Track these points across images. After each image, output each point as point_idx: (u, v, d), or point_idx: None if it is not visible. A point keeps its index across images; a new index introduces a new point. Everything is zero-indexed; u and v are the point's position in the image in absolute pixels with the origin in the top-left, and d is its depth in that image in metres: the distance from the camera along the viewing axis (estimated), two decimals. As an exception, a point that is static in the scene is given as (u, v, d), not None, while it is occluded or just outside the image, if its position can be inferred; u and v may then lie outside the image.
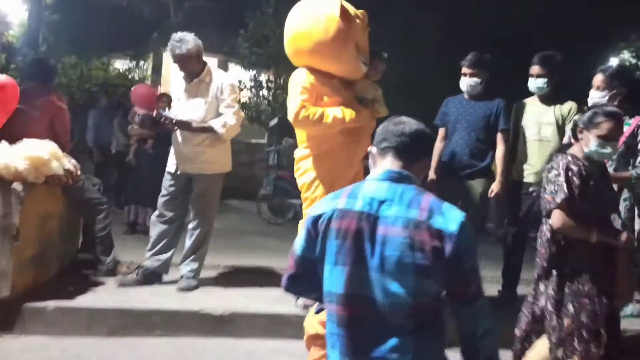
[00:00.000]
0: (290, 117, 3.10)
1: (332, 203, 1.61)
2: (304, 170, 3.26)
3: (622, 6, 12.01)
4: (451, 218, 1.49)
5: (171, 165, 3.77)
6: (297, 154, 3.30)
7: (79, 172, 3.47)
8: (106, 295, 3.34)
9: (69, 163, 3.37)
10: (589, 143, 2.42)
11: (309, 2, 3.22)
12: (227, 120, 3.64)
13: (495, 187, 3.72)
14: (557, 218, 2.39)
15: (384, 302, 1.48)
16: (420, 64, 10.22)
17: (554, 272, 2.45)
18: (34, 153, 3.04)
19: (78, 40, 12.69)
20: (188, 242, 3.73)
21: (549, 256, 2.46)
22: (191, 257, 3.71)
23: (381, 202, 1.53)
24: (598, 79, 3.20)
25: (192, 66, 3.66)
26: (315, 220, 1.60)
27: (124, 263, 4.01)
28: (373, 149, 1.69)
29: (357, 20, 3.18)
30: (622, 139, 3.05)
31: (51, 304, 3.03)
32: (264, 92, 11.84)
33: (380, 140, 1.66)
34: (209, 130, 3.63)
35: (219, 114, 3.67)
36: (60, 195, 3.55)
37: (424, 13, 10.85)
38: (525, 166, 3.73)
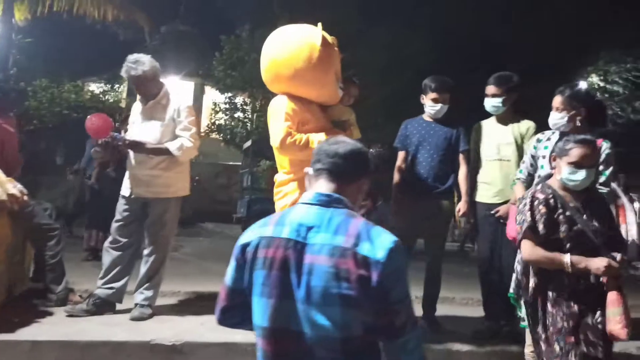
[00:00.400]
0: (276, 143, 3.07)
1: (259, 230, 1.52)
2: (285, 194, 3.21)
3: (590, 31, 12.38)
4: (379, 245, 1.42)
5: (125, 189, 3.66)
6: (278, 178, 3.27)
7: (25, 197, 3.33)
8: (51, 327, 3.17)
9: (14, 188, 3.24)
10: (561, 170, 2.41)
11: (289, 30, 3.24)
12: (184, 143, 3.55)
13: (462, 207, 3.75)
14: (524, 248, 2.36)
15: (311, 336, 1.40)
16: (403, 84, 10.31)
17: (539, 308, 2.37)
18: (-27, 178, 2.91)
19: (52, 63, 12.58)
20: (143, 269, 3.60)
21: (530, 288, 2.41)
22: (145, 285, 3.57)
23: (309, 229, 1.46)
24: (557, 100, 3.17)
25: (148, 88, 3.58)
26: (243, 248, 1.52)
27: (77, 292, 3.85)
28: (309, 170, 1.62)
29: (335, 48, 3.22)
30: None
31: (-11, 337, 2.87)
32: (239, 114, 11.83)
33: (315, 162, 1.59)
34: (165, 152, 3.53)
35: (175, 137, 3.58)
36: (7, 221, 3.39)
37: (408, 35, 11.00)
38: (487, 186, 3.71)
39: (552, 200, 2.37)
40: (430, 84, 3.79)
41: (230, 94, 11.80)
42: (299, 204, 1.55)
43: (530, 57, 11.94)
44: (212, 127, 12.29)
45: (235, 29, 11.38)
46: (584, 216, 2.37)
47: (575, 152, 2.38)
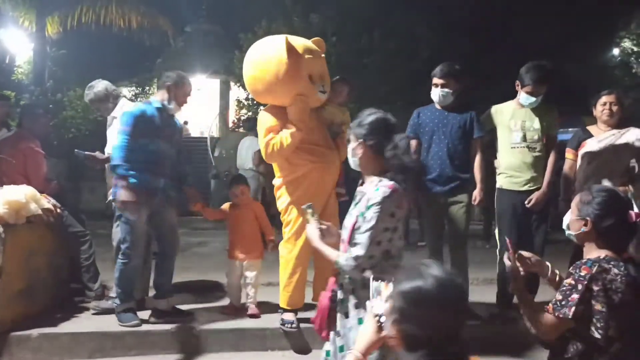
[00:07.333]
0: (263, 156, 3.47)
1: None
2: (279, 196, 3.58)
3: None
4: None
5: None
6: (275, 182, 3.62)
7: (58, 210, 3.83)
8: (87, 321, 3.67)
9: (48, 203, 3.72)
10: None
11: (259, 46, 3.52)
12: None
13: (477, 195, 3.75)
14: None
15: None
16: (413, 72, 10.44)
17: None
18: (12, 197, 3.40)
19: (85, 72, 13.24)
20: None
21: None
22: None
23: None
24: None
25: (104, 106, 4.10)
26: None
27: (111, 287, 4.35)
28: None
29: (308, 55, 3.39)
30: None
31: (35, 331, 3.36)
32: (262, 108, 12.20)
33: None
34: None
35: None
36: (46, 232, 3.87)
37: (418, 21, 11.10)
38: (515, 174, 3.76)
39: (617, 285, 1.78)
40: (435, 71, 3.77)
41: (252, 90, 12.21)
42: None
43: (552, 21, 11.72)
44: (239, 122, 12.75)
45: (252, 25, 11.65)
46: None
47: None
